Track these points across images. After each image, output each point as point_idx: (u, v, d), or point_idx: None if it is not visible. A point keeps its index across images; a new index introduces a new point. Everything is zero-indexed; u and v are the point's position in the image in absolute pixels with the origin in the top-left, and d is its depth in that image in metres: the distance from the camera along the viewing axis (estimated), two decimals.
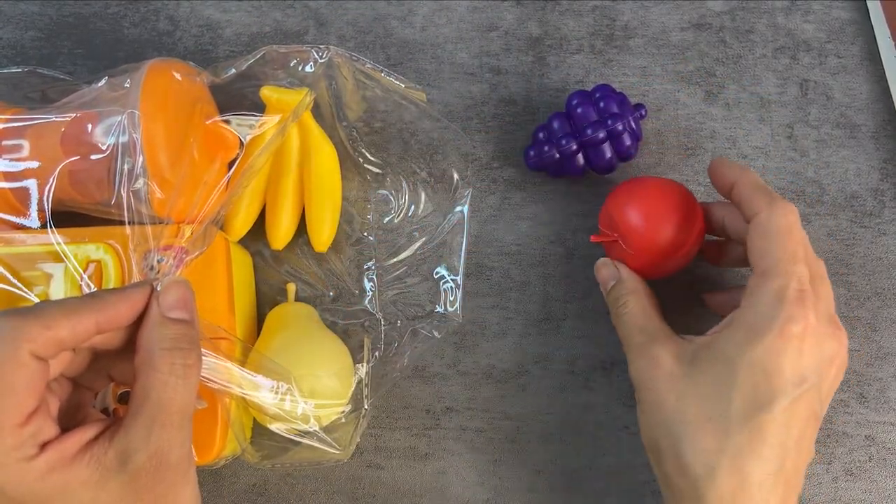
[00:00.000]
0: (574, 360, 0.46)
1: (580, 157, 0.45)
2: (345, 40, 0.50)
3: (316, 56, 0.43)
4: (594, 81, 0.49)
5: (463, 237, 0.47)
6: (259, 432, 0.42)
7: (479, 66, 0.50)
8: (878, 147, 0.49)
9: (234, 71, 0.42)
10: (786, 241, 0.35)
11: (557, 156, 0.45)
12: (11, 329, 0.27)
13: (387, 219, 0.47)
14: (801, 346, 0.34)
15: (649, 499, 0.45)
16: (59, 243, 0.38)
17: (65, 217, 0.41)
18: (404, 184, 0.47)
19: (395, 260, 0.47)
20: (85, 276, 0.38)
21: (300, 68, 0.43)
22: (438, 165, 0.48)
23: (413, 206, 0.47)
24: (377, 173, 0.48)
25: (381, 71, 0.44)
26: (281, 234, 0.45)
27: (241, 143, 0.42)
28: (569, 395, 0.46)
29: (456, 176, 0.48)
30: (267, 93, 0.42)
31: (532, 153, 0.46)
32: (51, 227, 0.38)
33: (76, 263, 0.38)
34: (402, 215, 0.47)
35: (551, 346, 0.46)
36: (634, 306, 0.39)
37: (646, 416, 0.37)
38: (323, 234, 0.45)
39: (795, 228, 0.36)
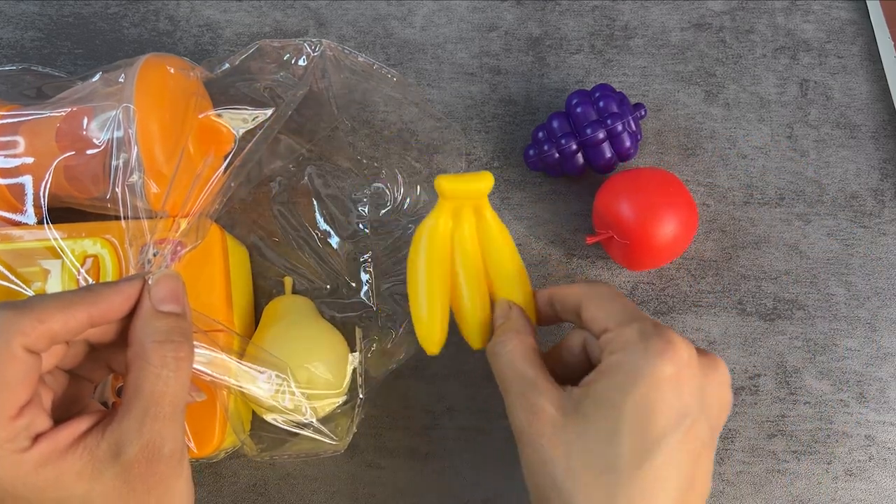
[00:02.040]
0: None
1: (580, 157, 0.45)
2: (345, 40, 0.50)
3: (309, 50, 0.43)
4: (594, 81, 0.49)
5: None
6: (257, 425, 0.42)
7: (479, 66, 0.50)
8: (878, 147, 0.49)
9: (227, 66, 0.42)
10: (623, 301, 0.35)
11: (557, 155, 0.45)
12: (4, 322, 0.28)
13: (382, 211, 0.47)
14: (678, 379, 0.32)
15: None
16: (55, 239, 0.38)
17: (61, 213, 0.41)
18: (399, 177, 0.47)
19: (390, 252, 0.47)
20: (83, 271, 0.38)
21: (293, 62, 0.43)
22: (438, 165, 0.48)
23: (409, 199, 0.47)
24: (374, 166, 0.48)
25: (374, 64, 0.44)
26: (482, 332, 0.40)
27: (235, 136, 0.42)
28: None
29: (453, 168, 0.48)
30: (443, 183, 0.38)
31: (532, 153, 0.46)
32: (47, 222, 0.38)
33: (73, 258, 0.38)
34: (397, 207, 0.47)
35: (551, 347, 0.46)
36: (516, 346, 0.36)
37: (531, 470, 0.34)
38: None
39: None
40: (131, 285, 0.31)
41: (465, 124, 0.49)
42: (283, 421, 0.39)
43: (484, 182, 0.39)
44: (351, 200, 0.47)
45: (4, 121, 0.40)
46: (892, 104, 0.49)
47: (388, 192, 0.47)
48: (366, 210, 0.47)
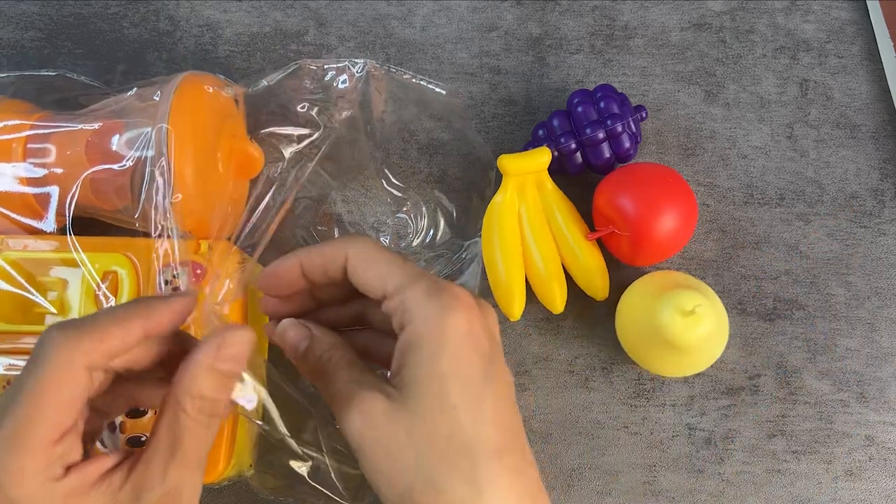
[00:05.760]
0: (574, 360, 0.46)
1: (578, 156, 0.45)
2: (345, 40, 0.50)
3: (352, 69, 0.42)
4: (594, 81, 0.49)
5: (479, 266, 0.46)
6: (265, 467, 0.41)
7: (479, 66, 0.50)
8: (877, 147, 0.49)
9: (265, 84, 0.42)
10: (390, 256, 0.33)
11: (556, 153, 0.45)
12: (68, 342, 0.27)
13: (404, 243, 0.47)
14: (472, 331, 0.32)
15: (649, 499, 0.44)
16: (77, 250, 0.38)
17: (82, 223, 0.40)
18: (424, 209, 0.47)
19: None
20: (103, 287, 0.37)
21: (335, 83, 0.42)
22: (462, 193, 0.48)
23: (431, 232, 0.47)
24: (398, 196, 0.47)
25: (421, 80, 0.44)
26: (558, 295, 0.45)
27: (264, 162, 0.41)
28: (569, 395, 0.46)
29: (476, 203, 0.47)
30: (506, 161, 0.43)
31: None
32: (70, 233, 0.38)
33: (93, 270, 0.38)
34: (419, 240, 0.47)
35: (551, 346, 0.46)
36: (340, 359, 0.34)
37: (381, 472, 0.31)
38: (598, 283, 0.45)
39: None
40: (183, 302, 0.31)
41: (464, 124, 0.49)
42: (298, 466, 0.37)
43: (543, 156, 0.44)
44: (373, 229, 0.47)
45: (36, 130, 0.39)
46: (892, 104, 0.49)
47: (411, 223, 0.47)
48: (387, 240, 0.47)
